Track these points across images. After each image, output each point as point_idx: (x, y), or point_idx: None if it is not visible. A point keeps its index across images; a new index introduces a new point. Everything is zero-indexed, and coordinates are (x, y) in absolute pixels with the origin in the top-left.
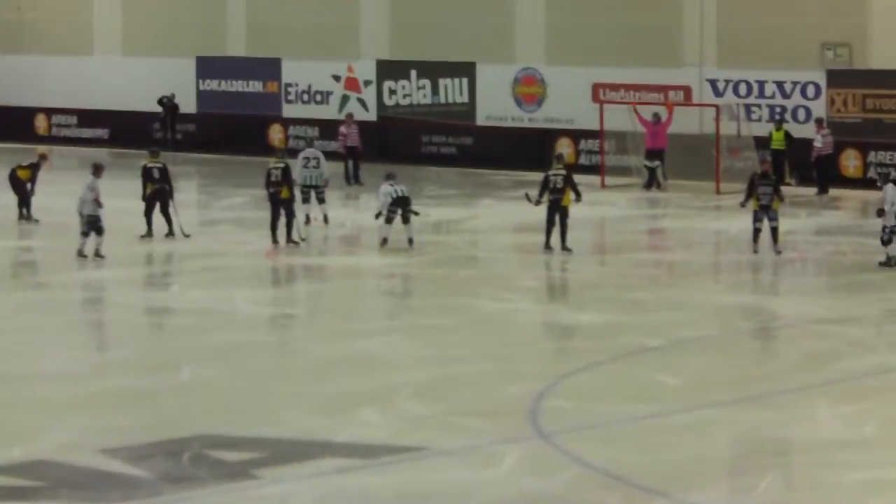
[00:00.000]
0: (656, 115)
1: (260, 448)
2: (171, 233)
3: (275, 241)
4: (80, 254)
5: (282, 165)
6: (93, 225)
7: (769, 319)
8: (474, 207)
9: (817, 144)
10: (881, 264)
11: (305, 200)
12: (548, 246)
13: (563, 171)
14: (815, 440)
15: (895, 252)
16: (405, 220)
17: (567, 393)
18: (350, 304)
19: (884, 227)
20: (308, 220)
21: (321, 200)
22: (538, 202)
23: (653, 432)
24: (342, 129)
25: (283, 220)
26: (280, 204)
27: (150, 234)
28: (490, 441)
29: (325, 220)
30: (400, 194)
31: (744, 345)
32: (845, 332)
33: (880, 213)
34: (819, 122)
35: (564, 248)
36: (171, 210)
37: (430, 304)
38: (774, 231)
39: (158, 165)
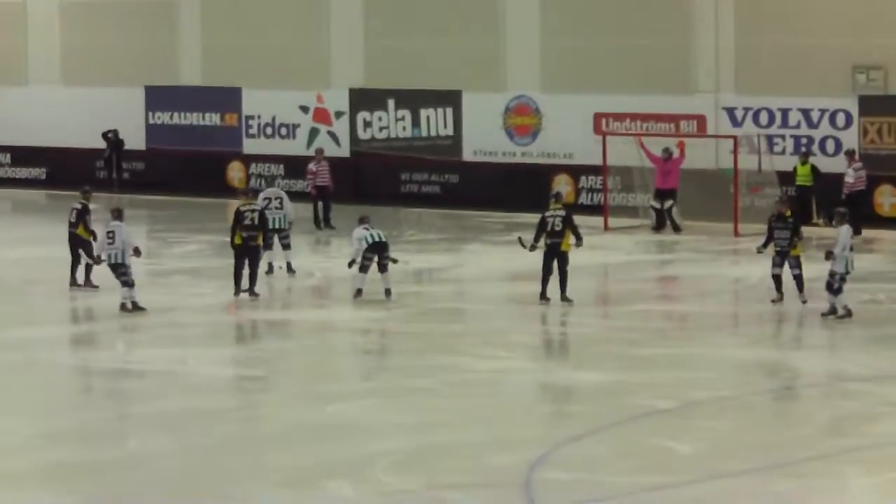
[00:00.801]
0: (667, 151)
1: None
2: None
3: (239, 292)
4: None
5: (257, 208)
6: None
7: (793, 378)
8: (460, 254)
9: (849, 179)
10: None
11: (268, 247)
12: (544, 296)
13: (562, 212)
14: None
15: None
16: (382, 269)
17: (565, 462)
18: (320, 364)
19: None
20: (270, 270)
21: (285, 246)
22: (534, 247)
23: None
24: (311, 166)
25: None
26: (250, 252)
27: (73, 282)
28: None
29: (290, 268)
30: (376, 239)
31: (765, 407)
32: (880, 391)
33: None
34: (850, 154)
35: (564, 298)
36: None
37: (410, 364)
38: (797, 279)
39: (77, 207)
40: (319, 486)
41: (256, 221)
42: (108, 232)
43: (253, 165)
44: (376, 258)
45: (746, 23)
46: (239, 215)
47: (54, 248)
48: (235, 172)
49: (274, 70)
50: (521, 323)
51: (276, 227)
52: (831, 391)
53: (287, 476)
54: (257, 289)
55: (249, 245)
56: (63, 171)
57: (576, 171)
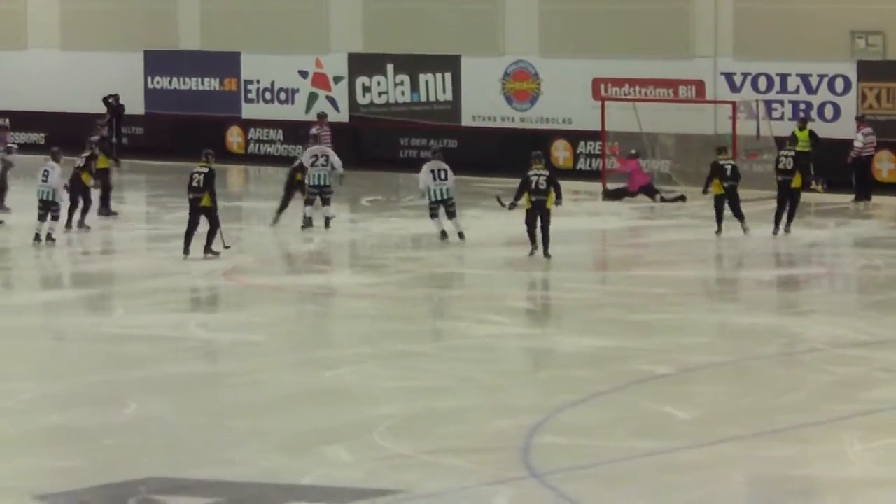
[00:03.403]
0: (629, 153)
1: (214, 493)
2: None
3: (186, 251)
4: (37, 238)
5: (205, 170)
6: (51, 209)
7: (792, 343)
8: (459, 219)
9: (857, 144)
10: None
11: (309, 202)
12: (535, 249)
13: (545, 171)
14: (845, 479)
15: None
16: (450, 216)
17: (563, 428)
18: (319, 330)
19: None
20: (307, 224)
21: (325, 201)
22: (513, 206)
23: (660, 471)
24: (313, 130)
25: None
26: (199, 212)
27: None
28: (477, 483)
29: (327, 223)
30: (437, 198)
31: (763, 372)
32: (879, 356)
33: None
34: (861, 119)
35: (546, 254)
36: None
37: (408, 329)
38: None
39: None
40: (317, 450)
41: (201, 183)
42: (44, 171)
43: (252, 130)
44: (442, 208)
45: None
46: (189, 178)
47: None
48: (234, 137)
49: (273, 35)
50: (520, 288)
51: (320, 183)
52: (829, 357)
53: (285, 441)
54: (216, 246)
55: (197, 205)
56: (62, 136)
57: (574, 137)
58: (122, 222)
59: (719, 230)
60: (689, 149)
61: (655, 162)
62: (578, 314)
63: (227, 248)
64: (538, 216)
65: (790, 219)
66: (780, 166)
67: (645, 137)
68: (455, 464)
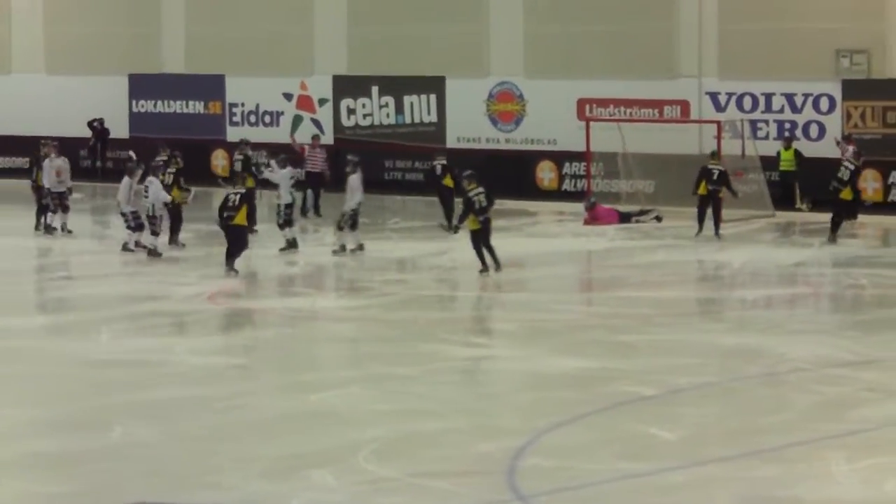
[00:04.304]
0: (589, 201)
1: None
2: None
3: (229, 266)
4: (48, 229)
5: (242, 191)
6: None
7: (777, 363)
8: (444, 241)
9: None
10: None
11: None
12: (487, 270)
13: (482, 189)
14: (831, 499)
15: None
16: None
17: (549, 450)
18: (303, 353)
19: None
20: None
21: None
22: (457, 229)
23: (646, 493)
24: (307, 150)
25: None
26: (232, 231)
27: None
28: None
29: (289, 245)
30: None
31: (748, 392)
32: (864, 376)
33: None
34: (847, 138)
35: (500, 267)
36: None
37: (393, 352)
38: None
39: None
40: (302, 474)
41: (237, 203)
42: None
43: (236, 153)
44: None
45: (729, 7)
46: (225, 198)
47: (37, 237)
48: (219, 160)
49: (257, 57)
50: (504, 310)
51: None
52: (815, 377)
53: (270, 465)
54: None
55: (227, 224)
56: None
57: (559, 158)
58: (107, 246)
59: (699, 231)
60: (672, 168)
61: (640, 182)
62: (563, 336)
63: (235, 271)
64: (482, 234)
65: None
66: (839, 175)
67: (630, 158)
68: (440, 486)
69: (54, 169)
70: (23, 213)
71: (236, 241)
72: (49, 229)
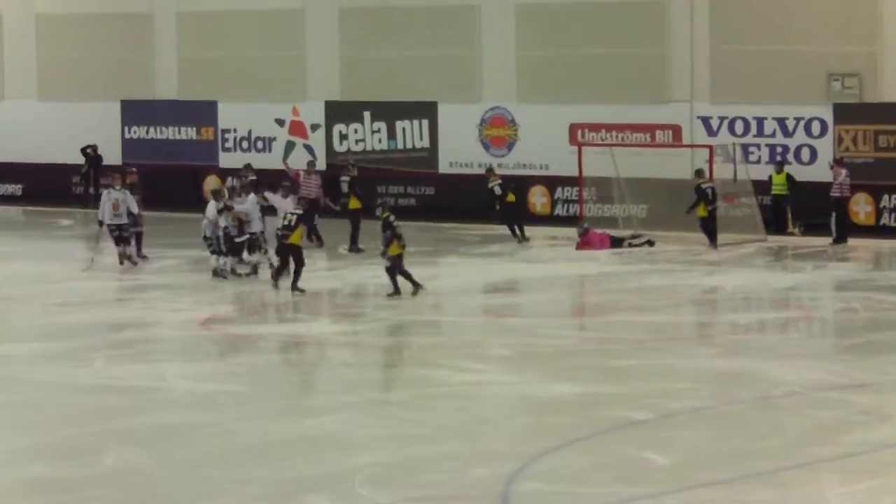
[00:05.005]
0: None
1: None
2: None
3: (276, 286)
4: (129, 259)
5: (299, 212)
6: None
7: (770, 387)
8: (437, 266)
9: (842, 181)
10: None
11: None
12: (418, 286)
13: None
14: None
15: None
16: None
17: (543, 474)
18: (297, 378)
19: None
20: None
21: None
22: (385, 253)
23: None
24: (302, 176)
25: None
26: (287, 250)
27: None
28: None
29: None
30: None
31: (742, 416)
32: (857, 399)
33: None
34: (838, 161)
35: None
36: None
37: (387, 377)
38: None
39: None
40: (297, 500)
41: (293, 223)
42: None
43: (229, 179)
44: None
45: (721, 32)
46: (283, 217)
47: (30, 264)
48: (212, 186)
49: (249, 83)
50: (498, 335)
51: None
52: (808, 400)
53: (264, 490)
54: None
55: (282, 243)
56: (39, 187)
57: (551, 183)
58: (99, 272)
59: (715, 245)
60: (664, 192)
61: (633, 207)
62: (556, 360)
63: (301, 291)
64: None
65: None
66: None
67: (623, 182)
68: None
69: (111, 201)
70: (13, 241)
71: (295, 259)
72: (126, 258)
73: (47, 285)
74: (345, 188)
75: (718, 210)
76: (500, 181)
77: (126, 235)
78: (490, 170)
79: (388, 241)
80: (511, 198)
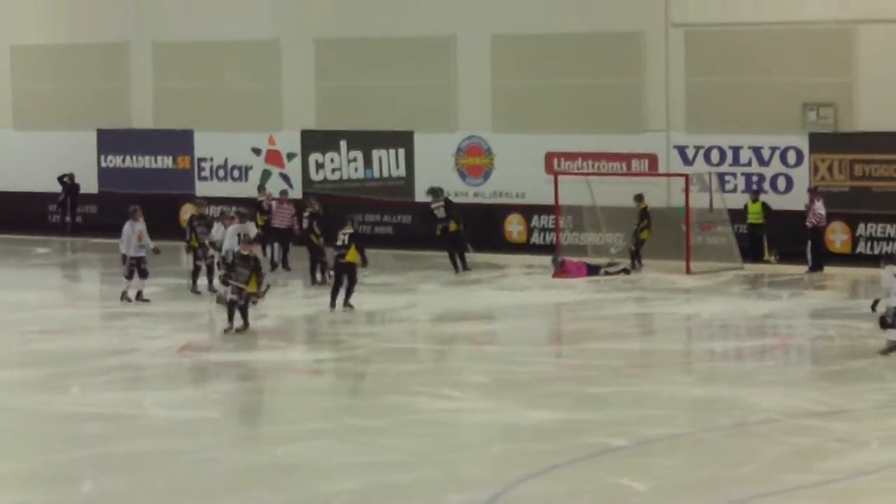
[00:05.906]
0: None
1: None
2: None
3: (332, 305)
4: (124, 297)
5: (351, 231)
6: (136, 267)
7: (747, 414)
8: (414, 294)
9: (820, 212)
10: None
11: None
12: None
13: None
14: None
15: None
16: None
17: (520, 501)
18: (274, 405)
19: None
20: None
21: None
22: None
23: None
24: (273, 204)
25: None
26: (343, 269)
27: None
28: None
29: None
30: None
31: (719, 443)
32: (833, 426)
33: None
34: (813, 191)
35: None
36: None
37: (364, 404)
38: None
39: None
40: None
41: (346, 242)
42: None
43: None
44: None
45: (696, 62)
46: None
47: (7, 291)
48: (188, 215)
49: (226, 112)
50: (475, 362)
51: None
52: (784, 427)
53: None
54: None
55: (339, 262)
56: (15, 216)
57: (528, 211)
58: (75, 300)
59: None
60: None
61: (609, 235)
62: (533, 387)
63: (352, 307)
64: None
65: None
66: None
67: (599, 211)
68: None
69: (136, 233)
70: None
71: (348, 278)
72: (124, 297)
73: (24, 312)
74: (305, 223)
75: (695, 239)
76: (443, 204)
77: (144, 268)
78: (434, 191)
79: (247, 277)
80: (453, 226)
